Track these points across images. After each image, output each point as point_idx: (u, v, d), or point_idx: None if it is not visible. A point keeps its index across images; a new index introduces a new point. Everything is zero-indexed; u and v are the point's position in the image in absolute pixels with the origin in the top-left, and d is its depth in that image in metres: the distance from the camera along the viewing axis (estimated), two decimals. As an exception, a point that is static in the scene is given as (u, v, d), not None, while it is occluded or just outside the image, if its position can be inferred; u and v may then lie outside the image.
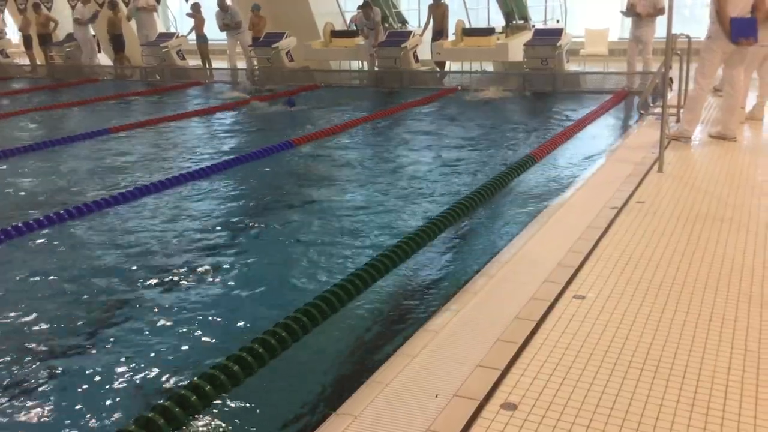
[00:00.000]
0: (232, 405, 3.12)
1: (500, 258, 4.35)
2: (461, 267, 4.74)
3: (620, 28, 17.89)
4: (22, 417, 3.12)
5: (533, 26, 15.51)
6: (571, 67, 14.75)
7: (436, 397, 2.76)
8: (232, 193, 6.88)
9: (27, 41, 19.64)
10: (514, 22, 15.66)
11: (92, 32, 18.49)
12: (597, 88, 13.02)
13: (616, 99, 11.63)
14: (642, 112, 8.47)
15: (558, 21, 17.69)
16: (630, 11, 11.97)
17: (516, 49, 14.12)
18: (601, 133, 9.23)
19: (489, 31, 15.19)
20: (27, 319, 4.09)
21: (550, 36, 13.80)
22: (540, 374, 2.91)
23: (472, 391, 2.78)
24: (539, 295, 3.68)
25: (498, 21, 16.85)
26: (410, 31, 15.74)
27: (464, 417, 2.60)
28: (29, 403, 3.22)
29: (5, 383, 3.39)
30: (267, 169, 7.76)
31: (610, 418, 2.59)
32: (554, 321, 3.39)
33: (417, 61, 15.22)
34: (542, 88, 13.25)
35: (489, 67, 16.30)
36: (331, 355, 3.65)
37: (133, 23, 18.31)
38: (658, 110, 7.41)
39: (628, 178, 6.01)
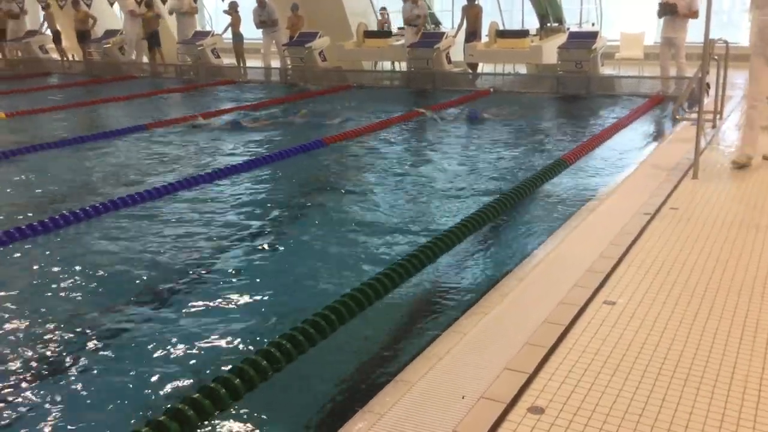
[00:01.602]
0: (259, 400, 3.14)
1: (530, 261, 4.33)
2: (491, 269, 4.73)
3: (656, 32, 17.65)
4: (57, 402, 3.18)
5: (568, 29, 15.40)
6: (606, 70, 14.61)
7: (463, 398, 2.76)
8: (262, 191, 6.92)
9: (56, 37, 20.01)
10: (548, 24, 15.58)
11: (138, 30, 18.72)
12: (631, 92, 12.87)
13: (650, 104, 11.49)
14: (677, 117, 8.35)
15: (593, 24, 17.54)
16: (665, 9, 11.72)
17: (550, 51, 14.04)
18: (634, 137, 9.12)
19: (523, 33, 15.12)
20: (68, 306, 4.17)
21: (584, 39, 13.69)
22: (568, 379, 2.89)
23: (499, 393, 2.77)
24: (569, 300, 3.66)
25: (532, 23, 16.76)
26: (443, 33, 15.73)
27: (490, 419, 2.60)
28: (72, 387, 3.29)
29: (55, 362, 3.46)
30: (299, 167, 7.82)
31: (639, 426, 2.56)
32: (583, 326, 3.37)
33: (450, 62, 15.20)
34: (576, 92, 13.15)
35: (522, 69, 16.21)
36: (358, 352, 3.66)
37: (171, 23, 18.57)
38: (693, 116, 7.29)
39: (661, 184, 5.93)
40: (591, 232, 4.83)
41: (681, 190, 5.77)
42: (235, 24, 17.65)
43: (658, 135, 9.21)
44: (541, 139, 9.27)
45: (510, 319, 3.49)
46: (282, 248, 5.34)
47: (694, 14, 11.38)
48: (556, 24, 15.57)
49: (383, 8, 19.12)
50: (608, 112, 11.15)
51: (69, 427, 3.02)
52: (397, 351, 3.66)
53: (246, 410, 3.07)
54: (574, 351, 3.13)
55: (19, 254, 5.13)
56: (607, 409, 2.67)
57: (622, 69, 15.65)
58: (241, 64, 17.64)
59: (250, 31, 17.55)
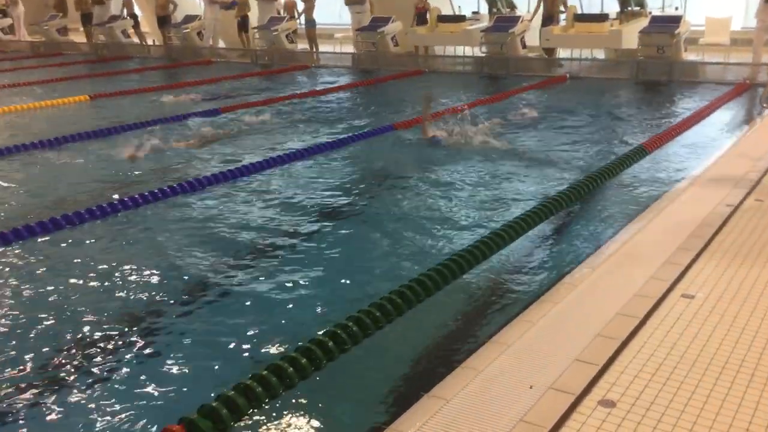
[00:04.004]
0: (326, 382, 3.17)
1: (604, 251, 4.21)
2: (563, 257, 4.63)
3: (744, 17, 16.83)
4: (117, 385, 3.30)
5: (650, 13, 14.84)
6: (689, 56, 14.03)
7: (531, 388, 2.70)
8: (328, 175, 6.93)
9: (136, 22, 20.62)
10: (629, 8, 15.04)
11: (217, 15, 19.12)
12: (716, 79, 12.32)
13: (736, 91, 10.97)
14: (765, 105, 7.94)
15: (677, 8, 16.86)
16: None
17: (630, 36, 13.57)
18: (718, 126, 8.74)
19: (602, 17, 14.66)
20: (127, 287, 4.32)
21: (667, 23, 13.19)
22: (642, 373, 2.80)
23: (569, 385, 2.71)
24: (644, 292, 3.53)
25: (611, 7, 16.24)
26: (519, 17, 15.41)
27: (559, 410, 2.54)
28: (124, 371, 3.41)
29: (109, 345, 3.59)
30: (367, 152, 7.84)
31: (715, 424, 2.46)
32: (660, 319, 3.25)
33: (524, 47, 14.89)
34: (657, 78, 12.69)
35: (600, 54, 15.74)
36: (424, 337, 3.64)
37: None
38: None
39: (746, 175, 5.66)
40: (670, 222, 4.66)
41: (767, 181, 5.49)
42: (308, 9, 17.78)
43: (743, 124, 8.78)
44: (619, 125, 8.99)
45: (581, 309, 3.40)
46: (352, 231, 5.37)
47: None
48: (638, 8, 15.02)
49: None
50: (691, 100, 10.71)
51: (160, 388, 3.13)
52: (464, 337, 3.62)
53: (312, 391, 3.09)
54: (648, 345, 3.02)
55: (120, 226, 5.33)
56: (681, 406, 2.57)
57: (706, 55, 15.00)
58: (314, 49, 17.77)
59: (324, 17, 17.61)
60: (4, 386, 3.20)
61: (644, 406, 2.58)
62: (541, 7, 15.30)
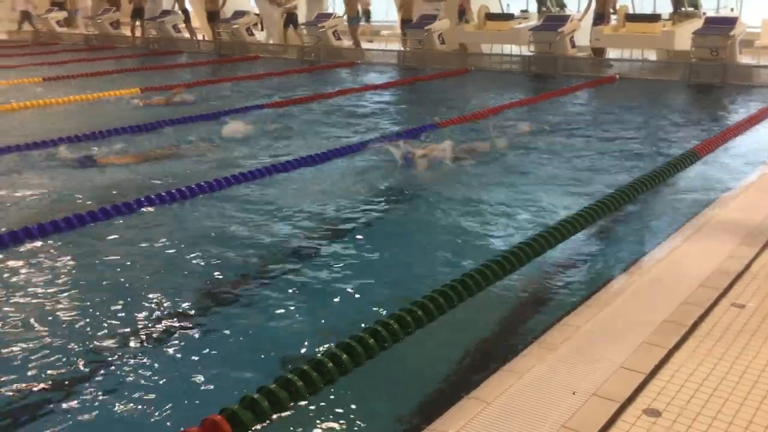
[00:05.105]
0: (366, 379, 3.17)
1: (652, 257, 4.13)
2: (609, 262, 4.55)
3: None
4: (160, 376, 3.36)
5: (704, 14, 14.50)
6: (744, 59, 13.65)
7: (574, 394, 2.67)
8: (375, 171, 6.94)
9: (186, 16, 20.97)
10: (682, 8, 14.71)
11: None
12: (772, 83, 11.97)
13: (794, 95, 10.64)
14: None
15: (732, 9, 16.43)
16: None
17: (683, 37, 13.27)
18: (774, 131, 8.49)
19: (655, 18, 14.36)
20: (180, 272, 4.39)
21: (722, 25, 12.87)
22: (688, 383, 2.73)
23: (613, 392, 2.66)
24: (692, 300, 3.45)
25: (663, 8, 15.90)
26: (568, 16, 15.21)
27: (603, 418, 2.50)
28: (163, 360, 3.47)
29: (153, 335, 3.66)
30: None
31: (766, 439, 2.39)
32: (708, 328, 3.17)
33: (573, 46, 14.68)
34: (710, 80, 12.38)
35: (651, 55, 15.43)
36: (466, 339, 3.62)
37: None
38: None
39: (803, 182, 5.49)
40: (720, 229, 4.54)
41: (825, 189, 5.33)
42: (352, 6, 17.76)
43: (800, 130, 8.51)
44: (670, 128, 8.80)
45: (627, 315, 3.34)
46: (392, 230, 5.37)
47: None
48: (691, 8, 14.68)
49: None
50: (745, 103, 10.43)
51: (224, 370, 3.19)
52: (506, 340, 3.59)
53: (352, 388, 3.10)
54: (696, 354, 2.95)
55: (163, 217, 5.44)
56: (729, 418, 2.51)
57: (762, 58, 14.58)
58: (359, 46, 17.78)
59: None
60: (60, 369, 3.29)
61: (690, 416, 2.52)
62: (592, 6, 15.06)
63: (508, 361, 2.98)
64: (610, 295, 3.57)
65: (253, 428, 2.76)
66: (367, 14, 18.53)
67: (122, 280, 4.30)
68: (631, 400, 2.61)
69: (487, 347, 3.54)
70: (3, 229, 5.02)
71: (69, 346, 3.49)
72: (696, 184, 6.16)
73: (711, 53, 12.57)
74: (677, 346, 3.01)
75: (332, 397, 3.02)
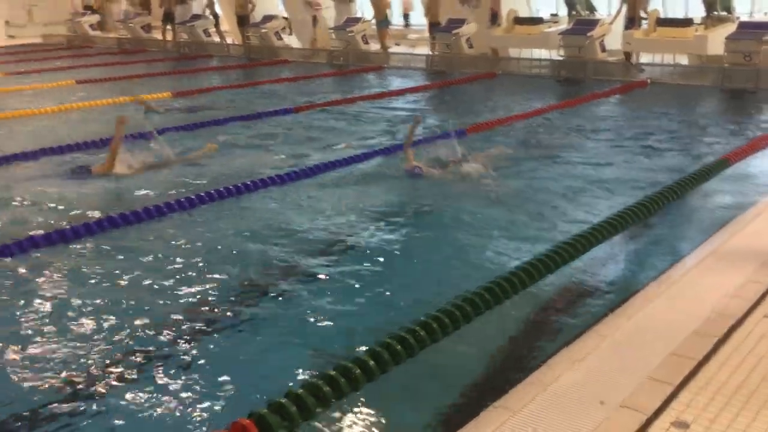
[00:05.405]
0: (392, 386, 3.19)
1: (681, 265, 4.08)
2: (637, 270, 4.51)
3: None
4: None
5: (737, 18, 14.27)
6: (779, 64, 13.41)
7: (601, 404, 2.65)
8: (396, 176, 6.93)
9: (216, 21, 21.19)
10: (715, 12, 14.49)
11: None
12: (808, 89, 11.73)
13: (830, 102, 10.43)
14: None
15: (766, 14, 16.15)
16: None
17: (716, 42, 13.08)
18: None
19: (687, 22, 14.17)
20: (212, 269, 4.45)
21: (757, 29, 12.65)
22: (718, 395, 2.70)
23: (641, 403, 2.64)
24: (723, 310, 3.41)
25: (695, 12, 15.68)
26: (598, 20, 15.07)
27: (630, 429, 2.48)
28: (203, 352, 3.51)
29: (192, 330, 3.71)
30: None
31: (798, 454, 2.35)
32: (740, 340, 3.13)
33: (604, 50, 14.54)
34: (743, 85, 12.18)
35: (683, 60, 15.23)
36: (493, 347, 3.62)
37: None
38: None
39: (838, 191, 5.39)
40: (753, 239, 4.47)
41: None
42: (380, 10, 17.76)
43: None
44: (702, 134, 8.68)
45: (655, 325, 3.31)
46: (420, 235, 5.38)
47: None
48: (724, 12, 14.45)
49: None
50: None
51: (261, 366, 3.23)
52: (532, 349, 3.58)
53: (378, 395, 3.12)
54: (726, 366, 2.91)
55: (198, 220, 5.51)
56: (761, 433, 2.47)
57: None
58: (386, 50, 17.76)
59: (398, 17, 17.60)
60: (90, 370, 3.35)
61: (719, 429, 2.49)
62: (623, 10, 14.91)
63: (535, 370, 2.98)
64: (639, 305, 3.54)
65: (279, 433, 2.79)
66: (406, 17, 18.50)
67: (148, 282, 4.38)
68: (659, 411, 2.59)
69: (514, 356, 3.54)
70: (40, 232, 5.15)
71: (101, 347, 3.56)
72: (727, 192, 6.07)
73: (744, 58, 12.37)
74: (707, 358, 2.98)
75: (359, 403, 3.04)
